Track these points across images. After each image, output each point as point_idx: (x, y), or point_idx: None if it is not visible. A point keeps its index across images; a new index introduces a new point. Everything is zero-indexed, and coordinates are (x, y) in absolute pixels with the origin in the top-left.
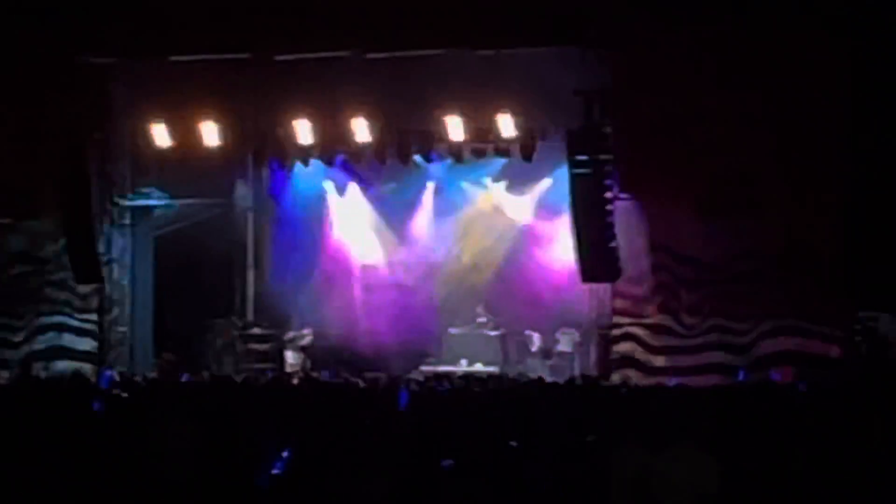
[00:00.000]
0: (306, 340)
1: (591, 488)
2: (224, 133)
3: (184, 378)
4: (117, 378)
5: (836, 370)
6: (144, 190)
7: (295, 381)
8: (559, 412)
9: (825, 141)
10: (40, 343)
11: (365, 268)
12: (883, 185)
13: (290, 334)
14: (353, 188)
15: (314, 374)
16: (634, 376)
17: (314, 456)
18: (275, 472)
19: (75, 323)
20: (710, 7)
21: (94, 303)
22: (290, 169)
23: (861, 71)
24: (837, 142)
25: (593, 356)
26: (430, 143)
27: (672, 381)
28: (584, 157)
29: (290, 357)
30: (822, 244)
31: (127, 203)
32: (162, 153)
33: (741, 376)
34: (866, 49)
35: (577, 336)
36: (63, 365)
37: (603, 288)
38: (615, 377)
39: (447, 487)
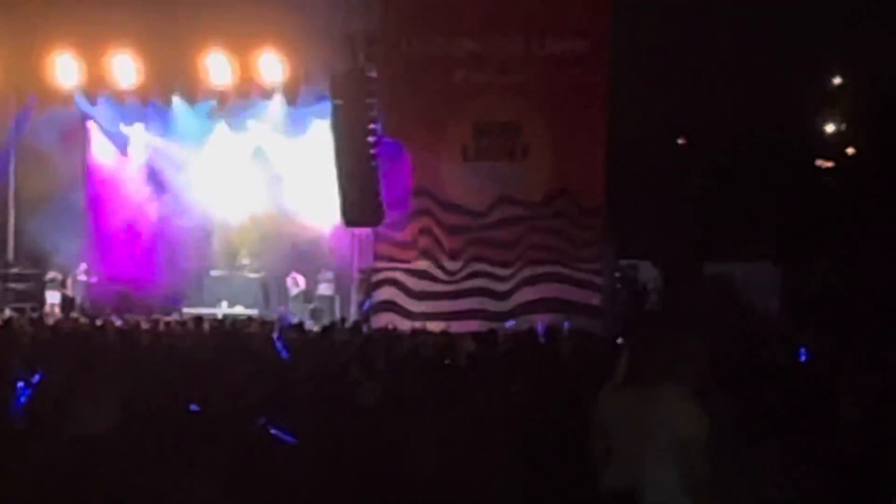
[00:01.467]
0: (71, 279)
1: None
2: None
3: None
4: None
5: (596, 317)
6: None
7: (51, 321)
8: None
9: (587, 88)
10: None
11: (129, 209)
12: (642, 133)
13: (51, 274)
14: (120, 128)
15: (74, 315)
16: (395, 321)
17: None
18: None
19: None
20: None
21: None
22: (54, 107)
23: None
24: (598, 89)
25: (354, 300)
26: (194, 84)
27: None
28: (347, 101)
29: (50, 297)
30: (583, 192)
31: None
32: None
33: (509, 324)
34: None
35: (338, 280)
36: None
37: (365, 232)
38: (376, 321)
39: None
